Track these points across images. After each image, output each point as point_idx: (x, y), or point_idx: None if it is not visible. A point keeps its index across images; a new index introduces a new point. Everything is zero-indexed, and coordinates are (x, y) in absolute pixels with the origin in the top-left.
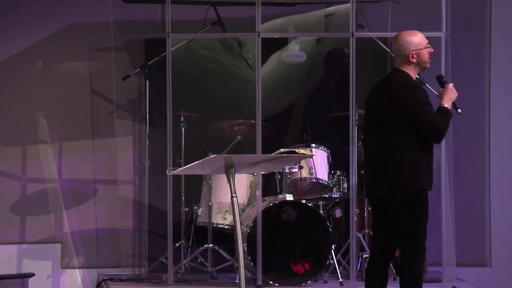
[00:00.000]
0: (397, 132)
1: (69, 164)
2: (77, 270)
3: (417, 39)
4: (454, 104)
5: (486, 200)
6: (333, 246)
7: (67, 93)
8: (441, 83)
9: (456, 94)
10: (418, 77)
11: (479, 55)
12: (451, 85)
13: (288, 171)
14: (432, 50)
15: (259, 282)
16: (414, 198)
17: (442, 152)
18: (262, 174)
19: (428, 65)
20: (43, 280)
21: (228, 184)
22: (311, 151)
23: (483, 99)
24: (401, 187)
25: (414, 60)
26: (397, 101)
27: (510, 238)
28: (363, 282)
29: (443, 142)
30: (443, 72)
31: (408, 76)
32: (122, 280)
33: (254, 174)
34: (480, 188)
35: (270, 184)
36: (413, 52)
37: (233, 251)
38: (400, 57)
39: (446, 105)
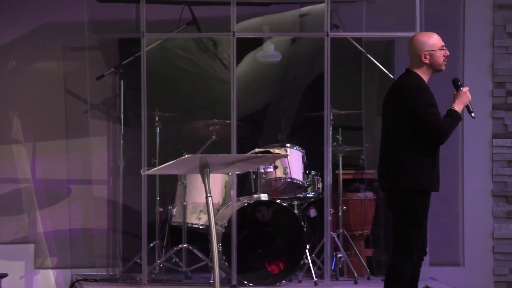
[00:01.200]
0: (402, 133)
1: (43, 164)
2: (50, 271)
3: (431, 40)
4: (467, 108)
5: (460, 200)
6: (307, 245)
7: (41, 92)
8: (456, 86)
9: (470, 98)
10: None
11: (453, 55)
12: (465, 89)
13: (263, 171)
14: (448, 53)
15: (234, 282)
16: (413, 199)
17: None
18: (237, 174)
19: (443, 68)
20: (16, 280)
21: (203, 184)
22: (286, 151)
23: None
24: (401, 187)
25: (426, 61)
26: (402, 102)
27: (483, 237)
28: (337, 282)
29: None
30: None
31: (417, 77)
32: (96, 281)
33: (229, 174)
34: (453, 188)
35: (245, 184)
36: (426, 53)
37: (207, 251)
38: (413, 58)
39: (456, 108)
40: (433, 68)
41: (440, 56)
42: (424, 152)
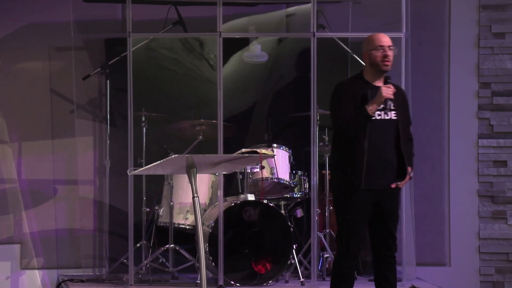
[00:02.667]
0: (334, 131)
1: (28, 164)
2: (36, 271)
3: (370, 41)
4: (384, 104)
5: (446, 200)
6: (294, 246)
7: (27, 92)
8: (385, 83)
9: (383, 95)
10: (388, 76)
11: (438, 56)
12: (382, 87)
13: (249, 171)
14: (389, 53)
15: (221, 282)
16: (339, 194)
17: None
18: (224, 174)
19: (382, 67)
20: (2, 281)
21: (189, 184)
22: (273, 151)
23: (442, 99)
24: (333, 183)
25: (366, 61)
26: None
27: (469, 237)
28: (324, 282)
29: None
30: (402, 72)
31: (355, 75)
32: (82, 281)
33: (215, 174)
34: (439, 188)
35: (231, 184)
36: (366, 53)
37: (194, 251)
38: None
39: (368, 106)
40: (373, 67)
41: (378, 55)
42: (343, 148)
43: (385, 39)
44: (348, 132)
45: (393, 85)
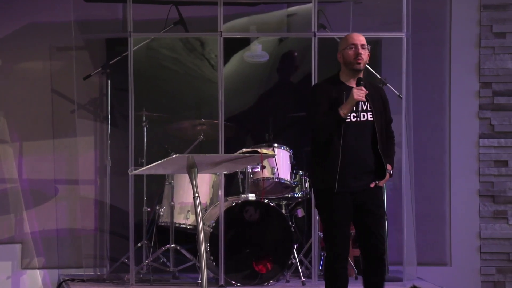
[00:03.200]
0: (311, 134)
1: (29, 164)
2: (37, 271)
3: (344, 40)
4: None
5: (447, 200)
6: (295, 245)
7: (28, 92)
8: (357, 85)
9: (355, 98)
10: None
11: (439, 56)
12: (354, 89)
13: (250, 171)
14: (360, 52)
15: (222, 282)
16: (318, 198)
17: (403, 152)
18: (225, 174)
19: (355, 66)
20: (3, 280)
21: (190, 184)
22: (274, 151)
23: (443, 99)
24: (312, 187)
25: (341, 60)
26: None
27: (470, 237)
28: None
29: (404, 142)
30: (403, 72)
31: (332, 76)
32: (83, 281)
33: (216, 174)
34: (440, 187)
35: (232, 184)
36: (339, 53)
37: (195, 251)
38: None
39: (341, 109)
40: (347, 67)
41: (350, 54)
42: (318, 152)
43: (358, 38)
44: (321, 135)
45: (370, 84)
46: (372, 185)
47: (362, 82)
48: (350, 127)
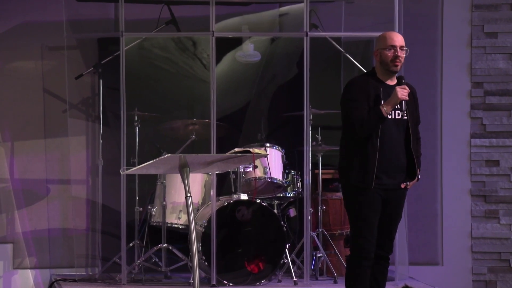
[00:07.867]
0: (342, 130)
1: (21, 163)
2: (29, 271)
3: (382, 39)
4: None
5: (438, 199)
6: (287, 245)
7: (19, 92)
8: (399, 83)
9: (399, 97)
10: (401, 76)
11: (431, 55)
12: (397, 88)
13: (242, 170)
14: (400, 54)
15: (214, 282)
16: (350, 194)
17: None
18: (217, 174)
19: (391, 68)
20: None
21: (182, 184)
22: (266, 151)
23: (435, 99)
24: (341, 183)
25: (377, 59)
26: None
27: (462, 236)
28: (317, 281)
29: None
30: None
31: (365, 73)
32: (75, 281)
33: (208, 173)
34: (432, 187)
35: (224, 184)
36: (377, 51)
37: (187, 251)
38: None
39: (382, 107)
40: (383, 66)
41: (388, 55)
42: (353, 148)
43: (397, 39)
44: (361, 132)
45: (407, 84)
46: (402, 186)
47: (403, 81)
48: (387, 125)
